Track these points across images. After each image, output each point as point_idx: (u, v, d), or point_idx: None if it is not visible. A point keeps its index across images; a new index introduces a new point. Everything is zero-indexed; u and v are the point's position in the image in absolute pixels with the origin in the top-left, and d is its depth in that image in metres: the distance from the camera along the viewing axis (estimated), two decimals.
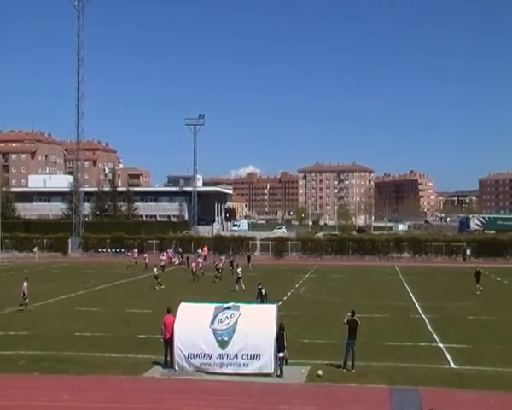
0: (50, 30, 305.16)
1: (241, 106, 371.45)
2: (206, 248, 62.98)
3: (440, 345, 22.82)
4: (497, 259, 61.85)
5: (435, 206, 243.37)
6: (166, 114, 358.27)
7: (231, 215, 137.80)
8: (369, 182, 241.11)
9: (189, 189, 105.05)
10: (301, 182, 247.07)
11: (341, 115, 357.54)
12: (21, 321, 27.77)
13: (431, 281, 45.68)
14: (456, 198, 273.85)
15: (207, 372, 18.53)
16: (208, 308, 19.73)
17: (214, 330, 18.74)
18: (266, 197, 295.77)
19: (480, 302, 33.99)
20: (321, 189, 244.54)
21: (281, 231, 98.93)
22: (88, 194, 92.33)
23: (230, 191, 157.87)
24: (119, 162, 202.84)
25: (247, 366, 18.39)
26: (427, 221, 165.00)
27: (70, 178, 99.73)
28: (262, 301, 28.67)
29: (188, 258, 55.35)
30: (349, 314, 19.62)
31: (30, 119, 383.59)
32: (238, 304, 20.13)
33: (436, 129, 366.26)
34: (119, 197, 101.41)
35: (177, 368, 18.89)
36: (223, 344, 18.54)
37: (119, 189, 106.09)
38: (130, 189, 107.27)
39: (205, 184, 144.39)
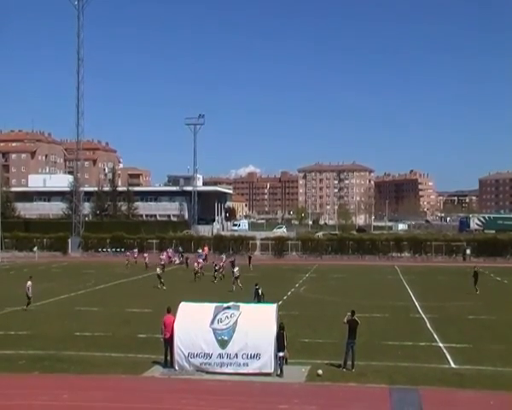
0: (50, 29, 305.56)
1: (241, 105, 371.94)
2: (206, 248, 63.01)
3: (440, 345, 22.82)
4: (497, 258, 61.85)
5: (435, 205, 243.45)
6: (166, 113, 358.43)
7: (231, 215, 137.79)
8: (369, 181, 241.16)
9: (189, 188, 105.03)
10: (301, 181, 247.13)
11: (341, 115, 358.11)
12: (21, 321, 27.78)
13: (431, 281, 45.68)
14: (456, 198, 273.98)
15: (207, 372, 18.53)
16: (208, 308, 19.73)
17: (214, 330, 18.74)
18: (266, 197, 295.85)
19: (480, 302, 33.98)
20: (321, 188, 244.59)
21: (281, 231, 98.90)
22: (88, 193, 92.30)
23: (230, 191, 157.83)
24: (119, 162, 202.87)
25: (247, 365, 18.39)
26: (427, 221, 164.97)
27: (70, 177, 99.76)
28: (259, 301, 28.65)
29: (187, 258, 55.34)
30: (349, 314, 19.62)
31: (30, 118, 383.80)
32: (238, 304, 20.13)
33: (436, 128, 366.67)
34: (119, 197, 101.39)
35: (177, 368, 18.89)
36: (223, 344, 18.54)
37: (119, 188, 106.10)
38: (130, 188, 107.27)
39: (205, 184, 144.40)
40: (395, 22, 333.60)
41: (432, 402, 15.80)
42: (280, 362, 18.46)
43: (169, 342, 19.29)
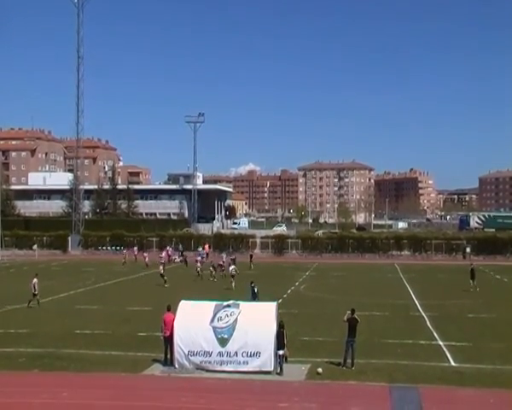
0: (50, 27, 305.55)
1: (241, 104, 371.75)
2: (207, 246, 63.01)
3: (440, 343, 22.81)
4: (496, 257, 61.92)
5: (435, 204, 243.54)
6: (166, 111, 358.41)
7: (231, 213, 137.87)
8: (369, 180, 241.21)
9: (188, 186, 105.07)
10: (301, 180, 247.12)
11: (341, 113, 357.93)
12: (21, 319, 27.78)
13: (431, 279, 45.69)
14: (456, 196, 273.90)
15: (207, 370, 18.52)
16: (208, 306, 19.73)
17: (214, 328, 18.73)
18: (266, 195, 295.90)
19: (479, 300, 33.98)
20: (321, 187, 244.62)
21: (281, 229, 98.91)
22: (88, 192, 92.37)
23: (230, 189, 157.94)
24: (119, 160, 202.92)
25: (247, 363, 18.39)
26: (428, 219, 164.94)
27: (70, 175, 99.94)
28: (254, 300, 28.66)
29: (186, 257, 55.27)
30: (349, 312, 19.61)
31: (30, 116, 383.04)
32: (238, 302, 20.12)
33: (436, 127, 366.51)
34: (119, 195, 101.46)
35: (176, 366, 18.88)
36: (223, 342, 18.53)
37: (119, 186, 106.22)
38: (130, 186, 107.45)
39: (205, 182, 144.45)
40: (395, 21, 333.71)
41: (432, 400, 15.79)
42: (280, 360, 18.45)
43: (169, 341, 19.28)
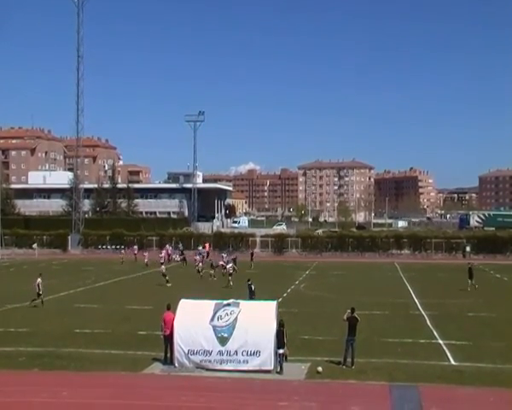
0: (50, 26, 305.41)
1: (241, 102, 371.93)
2: (207, 245, 62.98)
3: (440, 342, 22.82)
4: (496, 255, 61.92)
5: (435, 202, 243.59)
6: (166, 110, 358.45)
7: (231, 212, 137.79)
8: (369, 179, 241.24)
9: (188, 185, 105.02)
10: (301, 179, 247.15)
11: (341, 112, 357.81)
12: (21, 318, 27.78)
13: (431, 278, 45.70)
14: (456, 195, 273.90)
15: (207, 369, 18.52)
16: (208, 305, 19.72)
17: (214, 327, 18.72)
18: (266, 194, 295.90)
19: (480, 299, 33.97)
20: (321, 185, 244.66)
21: (281, 228, 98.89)
22: (88, 190, 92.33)
23: (230, 188, 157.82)
24: (119, 159, 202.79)
25: (247, 362, 18.38)
26: (429, 218, 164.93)
27: (70, 174, 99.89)
28: (251, 298, 28.66)
29: (185, 256, 55.22)
30: (349, 311, 19.60)
31: (30, 115, 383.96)
32: (238, 301, 20.12)
33: (436, 125, 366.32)
34: (119, 194, 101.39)
35: (176, 365, 18.88)
36: (222, 341, 18.53)
37: (119, 185, 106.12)
38: (130, 185, 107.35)
39: (205, 181, 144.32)
40: (395, 19, 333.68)
41: (432, 399, 15.79)
42: (280, 359, 18.45)
43: (169, 339, 19.28)
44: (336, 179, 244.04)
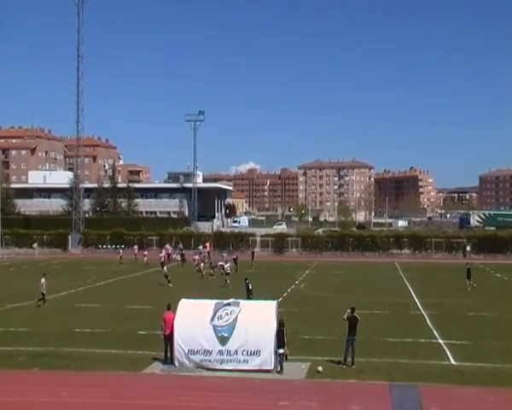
0: (50, 26, 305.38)
1: (241, 102, 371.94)
2: (208, 244, 62.94)
3: (440, 341, 22.82)
4: (497, 255, 61.91)
5: (435, 202, 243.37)
6: (166, 109, 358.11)
7: (231, 211, 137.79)
8: (369, 178, 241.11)
9: (189, 185, 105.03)
10: (301, 178, 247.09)
11: (341, 111, 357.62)
12: (21, 317, 27.79)
13: (431, 277, 45.69)
14: (456, 194, 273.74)
15: (207, 369, 18.52)
16: (208, 305, 19.72)
17: (214, 327, 18.73)
18: (266, 193, 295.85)
19: (480, 299, 33.96)
20: (321, 185, 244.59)
21: (281, 228, 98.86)
22: (88, 190, 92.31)
23: (230, 187, 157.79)
24: (119, 158, 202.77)
25: (247, 362, 18.38)
26: (430, 218, 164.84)
27: (70, 174, 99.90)
28: (248, 297, 28.66)
29: (184, 256, 55.22)
30: (349, 311, 19.60)
31: (30, 115, 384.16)
32: (238, 300, 20.12)
33: (436, 125, 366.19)
34: (119, 193, 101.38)
35: (177, 364, 18.88)
36: (223, 340, 18.53)
37: (119, 185, 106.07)
38: (131, 185, 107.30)
39: (205, 181, 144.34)
40: (396, 19, 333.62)
41: (432, 399, 15.79)
42: (280, 359, 18.45)
43: (169, 339, 19.28)
44: (336, 179, 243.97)
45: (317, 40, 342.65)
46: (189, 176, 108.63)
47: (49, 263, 55.57)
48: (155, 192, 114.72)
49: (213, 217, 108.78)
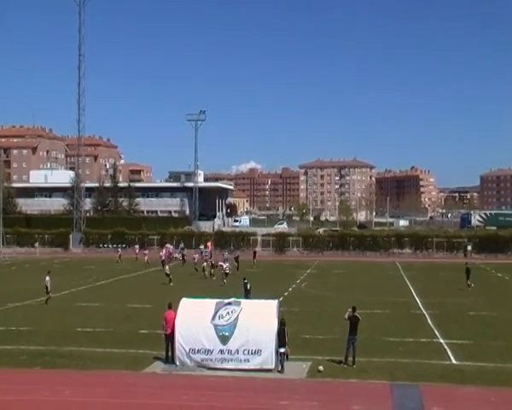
0: (52, 25, 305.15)
1: (242, 102, 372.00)
2: (209, 244, 62.94)
3: (441, 341, 22.82)
4: (498, 255, 61.91)
5: (436, 202, 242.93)
6: (168, 109, 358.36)
7: (232, 211, 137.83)
8: (371, 178, 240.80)
9: (190, 184, 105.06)
10: (302, 178, 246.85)
11: (342, 111, 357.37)
12: (23, 316, 27.83)
13: (432, 277, 45.68)
14: (457, 194, 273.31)
15: (208, 368, 18.53)
16: (209, 304, 19.74)
17: (215, 326, 18.74)
18: (267, 193, 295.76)
19: (481, 298, 33.97)
20: (322, 184, 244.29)
21: (282, 227, 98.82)
22: (89, 189, 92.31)
23: (231, 187, 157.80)
24: (121, 158, 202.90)
25: (248, 361, 18.40)
26: (432, 217, 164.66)
27: (71, 173, 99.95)
28: (246, 297, 28.68)
29: (184, 255, 55.25)
30: (350, 310, 19.61)
31: (31, 114, 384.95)
32: (239, 300, 20.14)
33: (437, 125, 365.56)
34: (121, 193, 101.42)
35: (178, 363, 18.90)
36: (224, 340, 18.54)
37: (121, 184, 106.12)
38: (132, 184, 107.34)
39: (206, 180, 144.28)
40: (396, 18, 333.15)
41: (433, 398, 15.79)
42: (281, 358, 18.47)
43: (170, 338, 19.31)
44: (337, 178, 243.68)
45: (318, 40, 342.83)
46: (190, 175, 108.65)
47: (50, 262, 55.60)
48: (156, 191, 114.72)
49: (214, 216, 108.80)
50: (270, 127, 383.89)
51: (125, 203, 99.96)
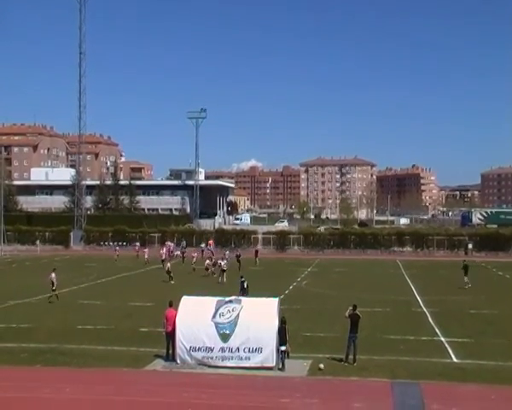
0: (52, 23, 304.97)
1: (243, 99, 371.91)
2: (211, 242, 62.92)
3: (442, 339, 22.81)
4: (498, 253, 61.87)
5: (437, 200, 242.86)
6: (169, 107, 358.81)
7: (233, 209, 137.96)
8: (371, 176, 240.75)
9: (190, 182, 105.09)
10: (303, 176, 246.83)
11: (343, 109, 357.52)
12: (23, 314, 27.84)
13: (433, 275, 45.67)
14: (458, 192, 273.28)
15: (209, 366, 18.54)
16: (210, 302, 19.74)
17: (216, 324, 18.74)
18: (268, 191, 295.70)
19: (481, 296, 33.97)
20: (323, 182, 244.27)
21: (283, 225, 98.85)
22: (90, 187, 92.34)
23: (232, 185, 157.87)
24: (121, 155, 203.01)
25: (249, 359, 18.40)
26: (433, 215, 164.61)
27: (72, 171, 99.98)
28: (243, 295, 28.69)
29: (184, 253, 55.22)
30: (351, 308, 19.61)
31: (32, 112, 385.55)
32: (240, 298, 20.14)
33: (438, 123, 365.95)
34: (121, 190, 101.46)
35: (178, 361, 18.91)
36: (224, 337, 18.55)
37: (121, 182, 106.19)
38: (132, 182, 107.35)
39: (207, 178, 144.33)
40: (397, 17, 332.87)
41: (433, 396, 15.79)
42: (282, 356, 18.47)
43: (171, 336, 19.31)
44: (338, 176, 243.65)
45: (319, 38, 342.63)
46: (190, 173, 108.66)
47: (51, 260, 55.64)
48: (157, 189, 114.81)
49: (215, 214, 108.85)
50: (271, 125, 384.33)
51: (125, 201, 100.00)
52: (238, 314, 18.85)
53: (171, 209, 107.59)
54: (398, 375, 17.78)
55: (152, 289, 36.92)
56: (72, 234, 72.21)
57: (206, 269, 43.75)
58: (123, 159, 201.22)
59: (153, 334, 22.85)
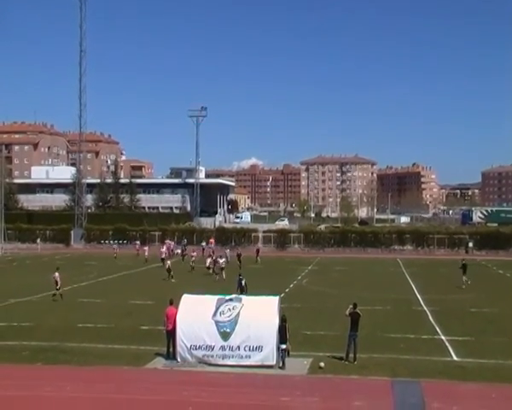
0: (53, 21, 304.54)
1: (243, 98, 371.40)
2: (212, 240, 62.92)
3: (442, 337, 22.83)
4: (499, 251, 61.84)
5: (438, 198, 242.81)
6: (169, 105, 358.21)
7: (233, 207, 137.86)
8: (372, 174, 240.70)
9: (191, 180, 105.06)
10: (304, 174, 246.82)
11: (344, 107, 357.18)
12: (24, 312, 27.86)
13: (433, 273, 45.69)
14: (458, 191, 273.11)
15: (210, 364, 18.56)
16: (210, 300, 19.75)
17: (216, 322, 18.76)
18: (269, 189, 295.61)
19: (482, 295, 33.99)
20: (323, 181, 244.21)
21: (283, 223, 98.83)
22: (90, 185, 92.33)
23: (233, 183, 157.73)
24: (122, 154, 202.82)
25: (250, 357, 18.42)
26: (435, 213, 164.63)
27: (73, 169, 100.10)
28: (241, 293, 28.72)
29: (183, 252, 55.19)
30: (351, 306, 19.62)
31: (32, 110, 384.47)
32: (240, 296, 20.14)
33: (439, 121, 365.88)
34: (122, 189, 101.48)
35: (179, 360, 18.93)
36: (225, 336, 18.56)
37: (122, 180, 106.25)
38: (133, 180, 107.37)
39: (207, 176, 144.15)
40: (397, 16, 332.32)
41: (434, 395, 15.80)
42: (282, 354, 18.49)
43: (171, 334, 19.33)
44: (339, 175, 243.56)
45: (319, 37, 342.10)
46: (191, 171, 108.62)
47: (51, 258, 55.69)
48: (158, 188, 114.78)
49: (216, 212, 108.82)
50: (272, 124, 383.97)
51: (126, 199, 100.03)
52: (238, 313, 18.86)
53: (171, 208, 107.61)
54: (398, 373, 17.80)
55: (152, 287, 36.94)
56: (72, 232, 72.28)
57: (208, 268, 43.70)
58: (123, 157, 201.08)
59: (153, 332, 22.87)
